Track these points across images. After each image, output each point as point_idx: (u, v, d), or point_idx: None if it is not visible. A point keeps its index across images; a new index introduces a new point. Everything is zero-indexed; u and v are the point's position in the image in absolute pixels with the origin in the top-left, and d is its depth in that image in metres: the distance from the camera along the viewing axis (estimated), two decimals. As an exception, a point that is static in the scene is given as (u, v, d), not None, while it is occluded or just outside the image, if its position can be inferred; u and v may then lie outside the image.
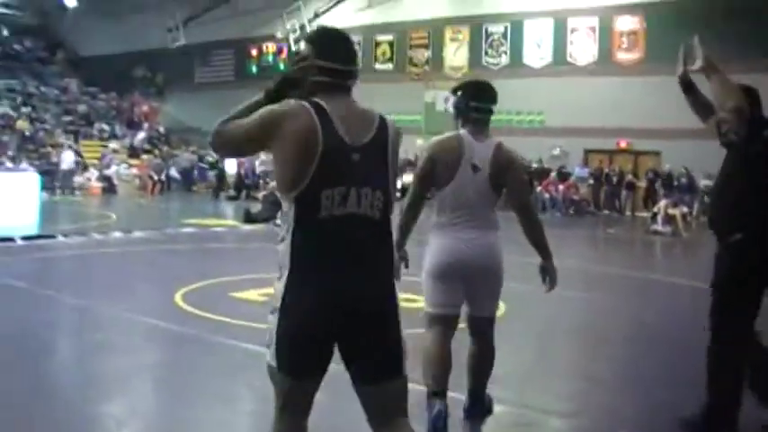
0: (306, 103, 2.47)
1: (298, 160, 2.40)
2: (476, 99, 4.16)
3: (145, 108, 36.12)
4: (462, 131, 4.12)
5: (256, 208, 17.42)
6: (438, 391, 3.99)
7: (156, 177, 28.62)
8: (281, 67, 33.95)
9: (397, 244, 3.44)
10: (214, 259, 11.26)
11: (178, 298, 7.64)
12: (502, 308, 7.58)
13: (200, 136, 32.24)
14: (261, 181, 26.61)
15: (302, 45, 2.66)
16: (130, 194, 27.36)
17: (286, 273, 2.44)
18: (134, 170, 29.67)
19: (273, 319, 2.45)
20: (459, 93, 4.23)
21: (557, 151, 26.63)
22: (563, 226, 20.69)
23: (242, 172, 28.28)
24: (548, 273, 4.19)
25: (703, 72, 3.94)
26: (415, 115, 30.01)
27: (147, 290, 8.50)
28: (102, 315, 7.00)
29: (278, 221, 16.11)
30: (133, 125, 34.84)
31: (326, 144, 2.41)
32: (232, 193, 27.53)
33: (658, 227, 17.77)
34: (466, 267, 4.01)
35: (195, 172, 30.67)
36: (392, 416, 2.52)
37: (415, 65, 30.88)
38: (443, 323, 4.07)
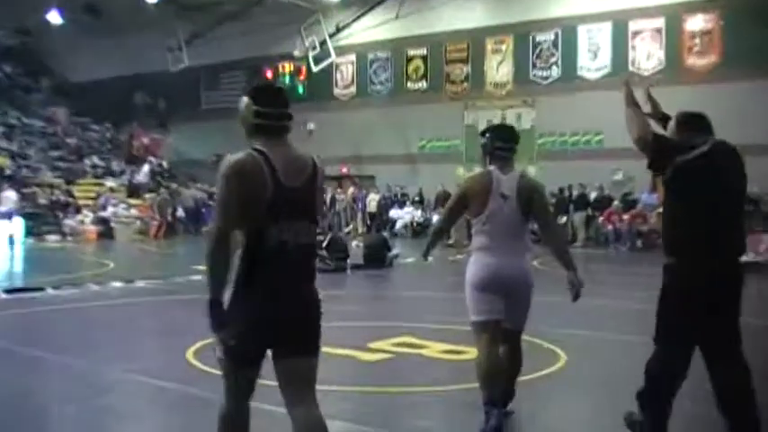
0: (255, 155, 3.66)
1: (251, 202, 3.61)
2: (500, 140, 5.69)
3: (145, 140, 36.50)
4: (491, 167, 5.61)
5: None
6: (495, 401, 5.30)
7: (159, 218, 29.00)
8: (300, 90, 34.48)
9: (426, 248, 6.02)
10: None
11: (191, 355, 7.77)
12: (562, 358, 7.63)
13: (209, 170, 32.62)
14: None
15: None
16: (130, 239, 27.76)
17: (232, 287, 3.67)
18: (134, 211, 30.06)
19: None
20: (486, 135, 5.75)
21: (619, 176, 26.56)
22: (629, 262, 20.59)
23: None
24: (573, 284, 5.48)
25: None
26: (453, 140, 30.21)
27: (155, 347, 8.64)
28: (104, 377, 7.13)
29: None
30: (132, 160, 35.27)
31: (274, 188, 3.63)
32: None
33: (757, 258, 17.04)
34: (503, 284, 5.39)
35: (204, 211, 30.99)
36: (302, 389, 3.79)
37: (453, 82, 31.15)
38: (489, 329, 5.42)
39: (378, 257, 17.72)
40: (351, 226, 27.61)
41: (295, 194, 3.70)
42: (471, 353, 6.95)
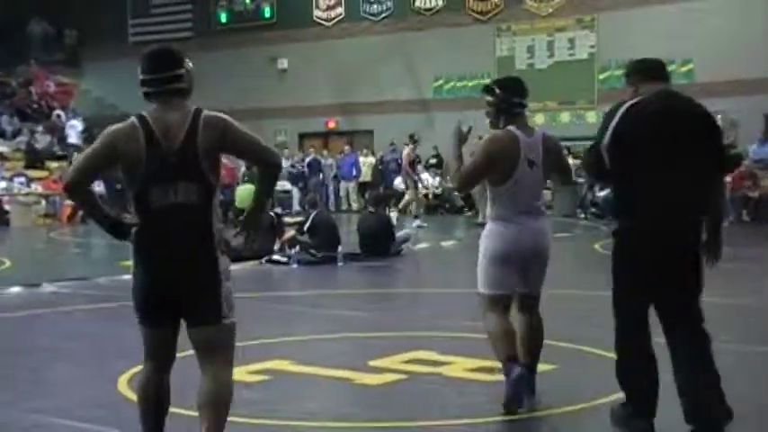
0: (134, 121, 5.16)
1: (127, 169, 5.13)
2: (517, 95, 6.79)
3: (50, 86, 36.38)
4: (512, 128, 6.69)
5: (230, 235, 17.72)
6: (512, 355, 6.65)
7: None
8: (267, 12, 34.44)
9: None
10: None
11: (123, 384, 7.82)
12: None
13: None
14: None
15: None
16: (33, 225, 27.80)
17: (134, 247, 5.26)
18: (37, 187, 30.04)
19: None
20: (497, 91, 6.77)
21: (715, 119, 26.65)
22: (732, 241, 20.61)
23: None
24: None
25: None
26: (481, 79, 30.15)
27: (74, 376, 8.68)
28: (6, 420, 7.17)
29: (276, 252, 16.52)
30: (31, 115, 35.15)
31: (148, 152, 5.07)
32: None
33: None
34: (523, 253, 6.74)
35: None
36: (210, 354, 5.23)
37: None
38: (502, 303, 6.81)
39: (378, 244, 17.74)
40: (407, 198, 26.99)
41: (174, 156, 5.07)
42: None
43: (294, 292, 14.71)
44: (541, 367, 7.46)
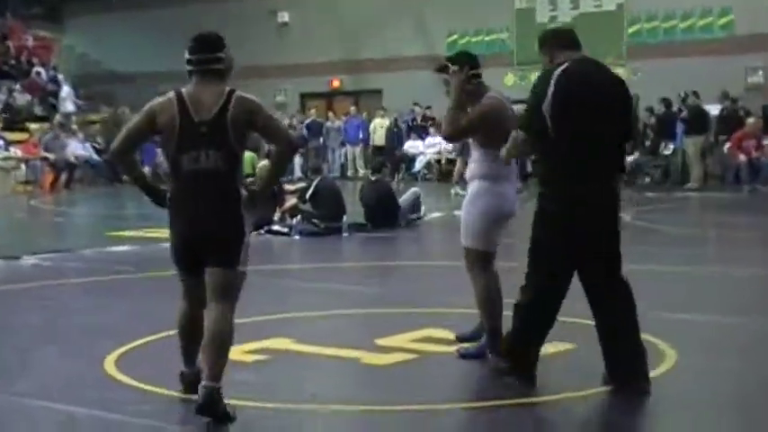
0: (171, 95, 6.42)
1: (164, 137, 6.43)
2: (477, 66, 7.88)
3: (28, 40, 36.35)
4: (496, 94, 7.87)
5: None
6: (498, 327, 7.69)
7: (55, 160, 29.00)
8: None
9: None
10: (166, 295, 11.44)
11: (110, 364, 7.87)
12: (670, 355, 7.76)
13: (131, 87, 32.64)
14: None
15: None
16: (12, 192, 27.83)
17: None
18: (17, 151, 30.06)
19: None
20: (456, 67, 7.76)
21: (758, 77, 26.52)
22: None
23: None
24: None
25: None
26: (498, 33, 30.11)
27: (57, 356, 8.71)
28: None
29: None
30: (9, 72, 35.13)
31: (181, 122, 6.30)
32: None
33: None
34: (512, 212, 7.84)
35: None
36: (221, 295, 6.38)
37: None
38: (492, 260, 7.86)
39: (383, 215, 17.72)
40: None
41: (203, 127, 6.28)
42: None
43: (295, 265, 14.74)
44: (560, 346, 7.52)
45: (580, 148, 6.66)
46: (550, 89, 6.62)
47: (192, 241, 6.44)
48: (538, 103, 6.66)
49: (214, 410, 6.10)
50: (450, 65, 7.82)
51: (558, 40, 7.09)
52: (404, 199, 18.41)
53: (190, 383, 6.69)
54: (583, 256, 6.84)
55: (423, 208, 18.69)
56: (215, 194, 6.36)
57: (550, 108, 6.60)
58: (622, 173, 7.15)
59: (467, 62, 7.82)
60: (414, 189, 19.24)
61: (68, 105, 33.60)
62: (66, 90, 34.03)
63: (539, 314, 6.95)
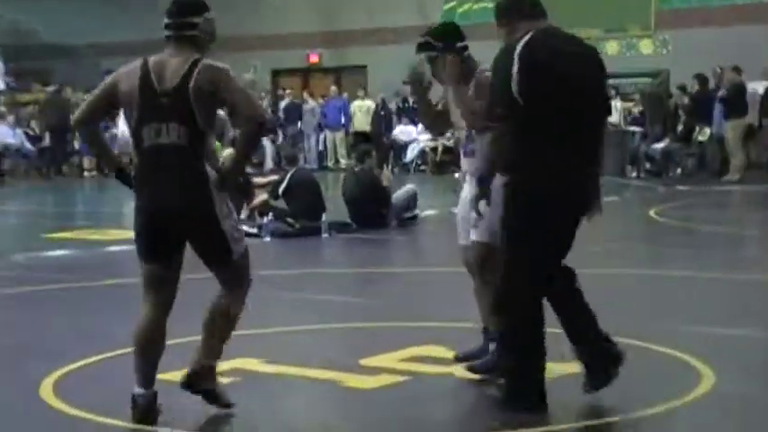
0: (136, 63, 6.72)
1: (125, 106, 6.75)
2: (463, 38, 8.04)
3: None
4: (484, 66, 7.75)
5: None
6: None
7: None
8: None
9: None
10: (113, 308, 11.45)
11: (46, 390, 7.83)
12: (707, 375, 7.78)
13: (69, 62, 32.64)
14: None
15: None
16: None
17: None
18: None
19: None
20: (440, 43, 7.99)
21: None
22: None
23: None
24: None
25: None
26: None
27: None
28: None
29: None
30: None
31: (142, 92, 6.59)
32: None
33: None
34: None
35: (68, 136, 30.98)
36: (226, 286, 6.95)
37: None
38: None
39: (367, 212, 17.71)
40: None
41: (165, 98, 6.54)
42: (555, 367, 7.08)
43: (266, 271, 14.60)
44: (576, 367, 7.54)
45: (560, 125, 6.83)
46: (514, 67, 6.76)
47: (157, 218, 6.71)
48: (504, 86, 6.82)
49: (199, 388, 6.91)
50: (434, 42, 7.96)
51: (519, 8, 7.14)
52: (396, 196, 18.37)
53: (144, 410, 6.74)
54: (568, 243, 7.10)
55: (417, 208, 18.69)
56: (179, 171, 6.63)
57: (518, 86, 6.75)
58: (598, 166, 7.21)
59: (457, 41, 7.96)
60: (409, 186, 19.25)
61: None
62: None
63: (537, 321, 7.04)
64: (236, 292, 7.03)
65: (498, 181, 7.40)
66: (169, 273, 6.85)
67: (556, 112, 6.81)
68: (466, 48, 7.94)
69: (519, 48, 6.80)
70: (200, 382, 6.87)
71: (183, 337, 7.66)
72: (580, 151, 6.95)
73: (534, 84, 6.76)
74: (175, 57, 6.66)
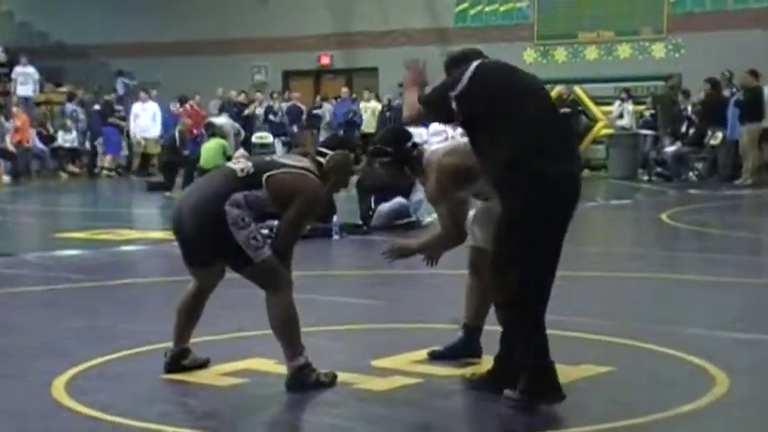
0: None
1: None
2: (408, 139, 8.47)
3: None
4: None
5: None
6: None
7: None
8: None
9: None
10: (125, 308, 11.48)
11: (58, 390, 7.86)
12: (721, 380, 7.77)
13: (88, 63, 32.70)
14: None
15: None
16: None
17: None
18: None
19: None
20: (390, 148, 8.36)
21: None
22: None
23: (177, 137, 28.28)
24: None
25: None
26: (516, 2, 30.10)
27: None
28: None
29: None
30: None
31: None
32: (157, 177, 27.81)
33: None
34: None
35: (84, 136, 30.99)
36: (259, 286, 7.65)
37: None
38: None
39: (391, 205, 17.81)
40: None
41: None
42: (568, 372, 7.10)
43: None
44: (594, 370, 7.51)
45: (531, 123, 7.03)
46: (466, 78, 7.15)
47: (179, 239, 7.70)
48: (448, 90, 7.21)
49: (300, 387, 7.60)
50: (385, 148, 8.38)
51: (456, 60, 7.60)
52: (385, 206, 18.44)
53: (172, 360, 7.82)
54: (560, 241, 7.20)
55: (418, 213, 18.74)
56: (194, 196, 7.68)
57: (469, 96, 7.11)
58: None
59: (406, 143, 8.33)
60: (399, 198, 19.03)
61: (28, 89, 33.65)
62: (21, 73, 34.00)
63: (538, 318, 7.09)
64: (270, 294, 7.58)
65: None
66: (210, 271, 7.75)
67: (523, 110, 7.05)
68: (415, 146, 8.28)
69: (469, 69, 7.19)
70: (302, 382, 7.64)
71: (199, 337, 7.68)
72: (558, 143, 7.14)
73: (491, 90, 7.12)
74: None
